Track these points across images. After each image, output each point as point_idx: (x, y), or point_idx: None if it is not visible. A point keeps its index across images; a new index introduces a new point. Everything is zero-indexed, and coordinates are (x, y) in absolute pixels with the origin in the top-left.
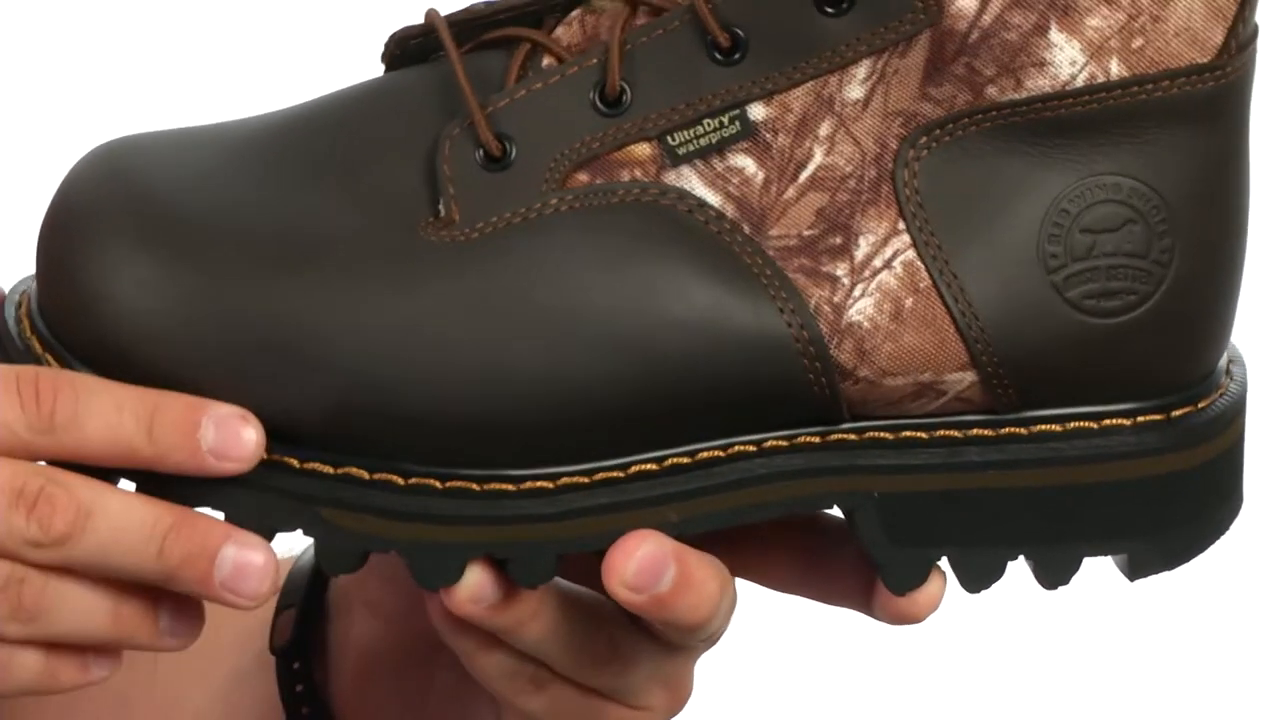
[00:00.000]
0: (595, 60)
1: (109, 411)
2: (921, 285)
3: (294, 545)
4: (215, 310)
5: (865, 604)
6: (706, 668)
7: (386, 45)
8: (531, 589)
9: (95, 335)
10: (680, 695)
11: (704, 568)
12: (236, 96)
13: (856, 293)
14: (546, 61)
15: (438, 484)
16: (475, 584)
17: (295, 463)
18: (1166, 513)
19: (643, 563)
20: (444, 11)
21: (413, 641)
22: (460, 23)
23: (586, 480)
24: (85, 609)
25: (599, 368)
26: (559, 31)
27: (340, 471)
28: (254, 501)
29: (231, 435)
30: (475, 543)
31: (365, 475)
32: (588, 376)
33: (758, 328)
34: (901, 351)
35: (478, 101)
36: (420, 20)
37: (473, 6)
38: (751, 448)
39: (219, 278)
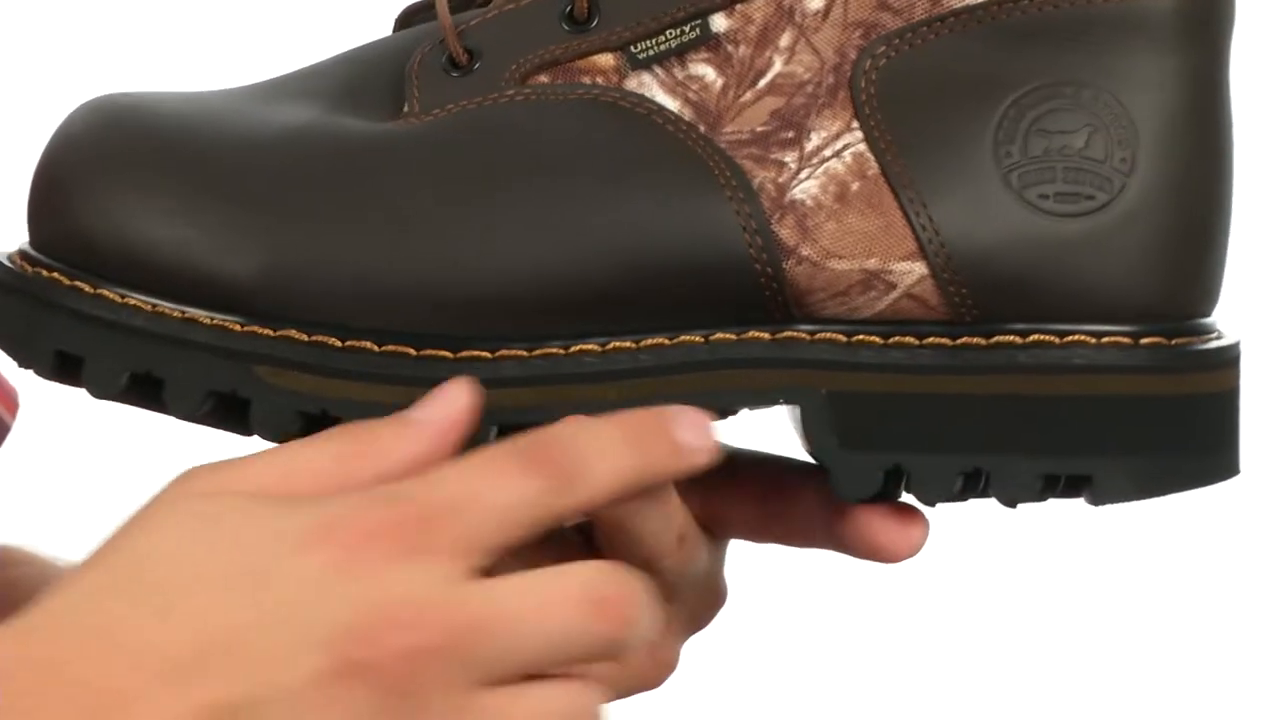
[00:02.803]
0: None
1: (601, 446)
2: (869, 173)
3: None
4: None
5: (833, 540)
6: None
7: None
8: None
9: (90, 232)
10: (658, 656)
11: None
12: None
13: (803, 175)
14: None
15: (373, 347)
16: None
17: (237, 326)
18: (1133, 435)
19: None
20: None
21: None
22: None
23: (526, 354)
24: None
25: (541, 247)
26: None
27: (279, 334)
28: (196, 361)
29: (696, 424)
30: (409, 403)
31: (303, 337)
32: (529, 255)
33: (703, 207)
34: (845, 232)
35: (450, 20)
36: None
37: None
38: (699, 339)
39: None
